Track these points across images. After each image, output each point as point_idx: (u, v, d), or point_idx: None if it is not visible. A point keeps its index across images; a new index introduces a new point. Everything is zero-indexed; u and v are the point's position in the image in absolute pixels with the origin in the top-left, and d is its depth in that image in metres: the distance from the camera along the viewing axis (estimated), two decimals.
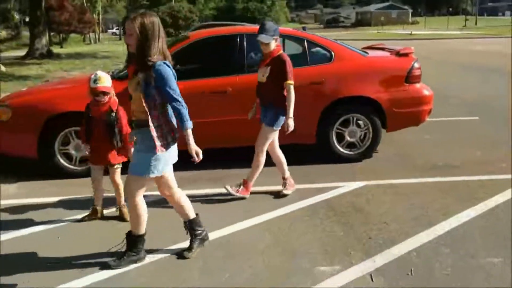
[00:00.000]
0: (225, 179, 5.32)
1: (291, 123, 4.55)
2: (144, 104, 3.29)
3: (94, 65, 20.27)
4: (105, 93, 4.19)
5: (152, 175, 3.42)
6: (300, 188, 5.13)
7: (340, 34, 49.51)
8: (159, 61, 3.28)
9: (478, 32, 50.51)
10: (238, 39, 5.81)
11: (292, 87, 4.54)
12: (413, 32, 49.48)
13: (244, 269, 3.54)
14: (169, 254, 3.79)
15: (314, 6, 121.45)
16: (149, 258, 3.71)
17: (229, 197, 4.91)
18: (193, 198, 4.67)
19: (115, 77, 5.79)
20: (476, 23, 75.64)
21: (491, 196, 4.78)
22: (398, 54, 6.06)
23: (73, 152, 5.59)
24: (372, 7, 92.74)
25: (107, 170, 4.47)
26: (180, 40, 6.05)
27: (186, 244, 3.82)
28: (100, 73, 4.26)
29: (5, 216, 4.62)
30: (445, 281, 3.32)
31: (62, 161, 5.57)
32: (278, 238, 4.02)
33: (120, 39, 55.84)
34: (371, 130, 5.89)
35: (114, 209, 4.61)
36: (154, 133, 3.30)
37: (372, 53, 6.34)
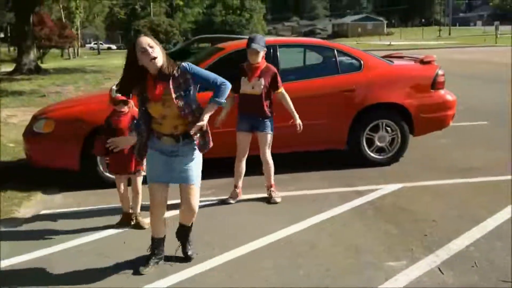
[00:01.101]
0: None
1: (301, 123, 4.97)
2: (183, 115, 3.39)
3: (86, 79, 20.22)
4: (125, 103, 4.35)
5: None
6: (340, 191, 5.34)
7: None
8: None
9: (454, 42, 51.81)
10: (271, 50, 6.01)
11: (286, 93, 4.98)
12: (392, 43, 50.48)
13: (315, 266, 3.72)
14: (243, 253, 3.94)
15: (290, 18, 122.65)
16: (223, 257, 3.86)
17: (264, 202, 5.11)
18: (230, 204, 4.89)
19: None
20: (450, 33, 77.53)
21: None
22: (422, 62, 6.35)
23: None
24: (348, 19, 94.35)
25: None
26: (215, 51, 6.23)
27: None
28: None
29: (62, 223, 4.70)
30: (507, 271, 3.55)
31: (104, 172, 5.67)
32: (337, 238, 4.19)
33: (99, 53, 55.55)
34: (399, 135, 6.14)
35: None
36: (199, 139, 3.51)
37: (396, 61, 6.61)
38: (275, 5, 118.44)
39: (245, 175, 5.25)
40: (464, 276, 3.51)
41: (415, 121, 6.13)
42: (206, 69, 5.84)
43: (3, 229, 4.63)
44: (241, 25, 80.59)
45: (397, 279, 3.50)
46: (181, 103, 3.37)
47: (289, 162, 6.32)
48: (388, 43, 51.81)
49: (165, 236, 3.84)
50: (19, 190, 5.60)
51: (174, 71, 3.37)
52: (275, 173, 5.26)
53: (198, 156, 3.61)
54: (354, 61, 6.21)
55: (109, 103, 4.41)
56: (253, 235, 4.27)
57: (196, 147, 3.54)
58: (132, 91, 3.51)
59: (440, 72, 6.24)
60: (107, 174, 5.67)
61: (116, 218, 4.72)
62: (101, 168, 5.65)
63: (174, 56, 14.76)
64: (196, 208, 3.69)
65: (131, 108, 4.42)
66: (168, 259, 3.84)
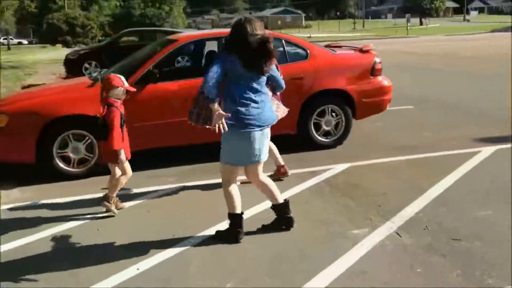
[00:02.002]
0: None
1: None
2: None
3: (4, 75, 19.29)
4: (126, 93, 4.50)
5: None
6: (296, 172, 5.69)
7: None
8: None
9: (370, 34, 54.20)
10: (223, 40, 6.23)
11: None
12: (311, 35, 51.92)
13: (289, 237, 4.05)
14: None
15: (210, 12, 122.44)
16: (202, 236, 4.09)
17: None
18: (199, 188, 5.15)
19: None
20: (363, 26, 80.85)
21: (459, 165, 5.68)
22: (361, 51, 6.84)
23: (71, 154, 5.70)
24: (268, 12, 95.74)
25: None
26: (169, 43, 6.35)
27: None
28: (117, 75, 4.54)
29: (19, 219, 4.71)
30: (454, 231, 4.06)
31: (60, 164, 5.66)
32: (302, 213, 4.50)
33: (9, 48, 52.61)
34: (343, 119, 6.60)
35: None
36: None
37: (338, 51, 7.07)
38: None
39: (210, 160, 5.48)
40: (419, 238, 3.97)
41: (357, 105, 6.61)
42: (159, 61, 6.05)
43: None
44: (161, 18, 79.21)
45: (363, 244, 3.90)
46: None
47: None
48: (308, 35, 53.21)
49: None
50: None
51: None
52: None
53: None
54: (300, 50, 6.58)
55: (108, 91, 4.44)
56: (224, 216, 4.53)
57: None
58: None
59: (378, 60, 6.76)
60: (63, 166, 5.68)
61: (82, 210, 4.82)
62: (57, 160, 5.63)
63: (103, 51, 14.58)
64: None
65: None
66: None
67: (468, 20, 73.19)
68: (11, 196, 5.32)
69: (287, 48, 6.47)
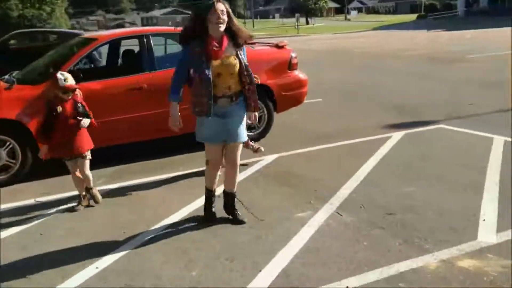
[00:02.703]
0: (160, 168, 5.83)
1: None
2: (242, 76, 3.91)
3: None
4: (73, 90, 4.42)
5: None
6: None
7: None
8: None
9: (262, 33, 55.47)
10: (144, 39, 6.23)
11: None
12: None
13: (239, 224, 4.22)
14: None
15: (94, 12, 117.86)
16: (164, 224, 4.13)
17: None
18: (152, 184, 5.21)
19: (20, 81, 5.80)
20: (253, 25, 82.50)
21: (376, 150, 6.20)
22: (277, 46, 7.15)
23: None
24: (157, 12, 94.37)
25: None
26: (88, 42, 6.19)
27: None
28: (63, 73, 4.45)
29: None
30: (387, 207, 4.48)
31: None
32: (247, 202, 4.67)
33: None
34: (266, 112, 6.87)
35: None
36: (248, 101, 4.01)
37: (255, 47, 7.31)
38: None
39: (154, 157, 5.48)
40: (357, 215, 4.33)
41: (277, 99, 6.91)
42: (79, 60, 5.91)
43: None
44: (42, 19, 75.04)
45: (310, 225, 4.18)
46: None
47: (174, 146, 6.65)
48: None
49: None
50: None
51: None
52: (168, 156, 5.63)
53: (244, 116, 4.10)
54: None
55: (51, 90, 4.43)
56: (171, 210, 4.60)
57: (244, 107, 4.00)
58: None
59: (294, 54, 7.12)
60: None
61: (9, 218, 4.64)
62: None
63: None
64: (239, 164, 4.24)
65: (74, 94, 4.47)
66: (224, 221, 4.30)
67: (349, 19, 77.44)
68: None
69: None
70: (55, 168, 5.53)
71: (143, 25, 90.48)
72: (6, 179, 5.48)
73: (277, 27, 69.21)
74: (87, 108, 4.59)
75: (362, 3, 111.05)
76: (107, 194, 5.13)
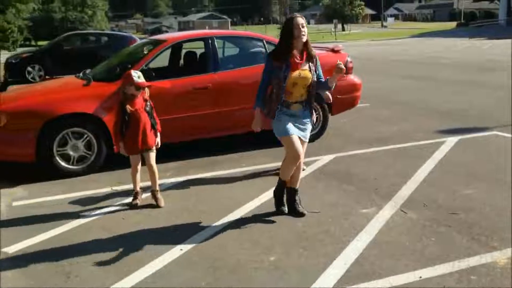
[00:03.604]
0: (221, 163, 6.14)
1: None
2: (310, 86, 4.27)
3: None
4: (144, 87, 4.75)
5: None
6: None
7: None
8: None
9: None
10: (209, 41, 6.55)
11: None
12: None
13: (307, 217, 4.46)
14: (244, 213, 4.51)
15: (133, 16, 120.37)
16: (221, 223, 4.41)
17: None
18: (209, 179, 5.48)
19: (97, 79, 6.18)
20: None
21: (432, 153, 6.35)
22: (333, 51, 7.37)
23: (70, 152, 5.77)
24: (193, 17, 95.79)
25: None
26: (158, 43, 6.55)
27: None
28: (136, 71, 4.79)
29: (48, 210, 4.79)
30: (449, 207, 4.64)
31: (60, 161, 5.73)
32: (311, 199, 4.92)
33: None
34: (321, 114, 7.09)
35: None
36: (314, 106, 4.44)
37: None
38: (116, 2, 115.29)
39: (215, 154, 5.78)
40: (421, 213, 4.51)
41: (333, 101, 7.09)
42: (151, 60, 6.27)
43: None
44: (84, 22, 77.06)
45: (376, 220, 4.38)
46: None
47: (237, 143, 6.96)
48: None
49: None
50: None
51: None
52: (227, 153, 6.06)
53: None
54: None
55: (125, 87, 4.70)
56: (239, 203, 4.87)
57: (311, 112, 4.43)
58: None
59: (349, 59, 7.32)
60: (63, 164, 5.74)
61: (95, 205, 5.00)
62: (57, 158, 5.70)
63: (48, 54, 14.52)
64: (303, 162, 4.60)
65: (143, 91, 4.79)
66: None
67: (385, 26, 76.99)
68: (18, 194, 5.33)
69: (269, 48, 6.87)
70: (126, 160, 5.90)
71: (180, 29, 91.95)
72: (82, 169, 5.85)
73: (312, 33, 69.33)
74: (154, 111, 4.91)
75: (398, 10, 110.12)
76: (176, 186, 5.45)
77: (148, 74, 6.01)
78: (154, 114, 4.92)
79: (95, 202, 5.05)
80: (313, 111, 4.52)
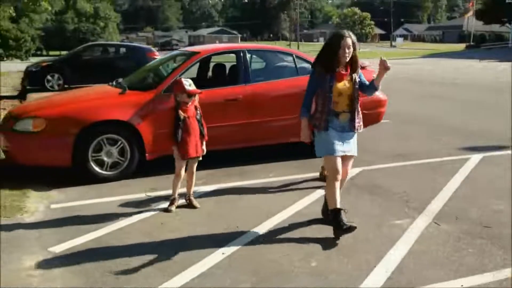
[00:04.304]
0: (252, 173, 6.26)
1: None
2: (354, 96, 4.38)
3: None
4: (195, 94, 4.89)
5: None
6: (317, 175, 6.19)
7: None
8: None
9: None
10: (241, 54, 6.70)
11: None
12: None
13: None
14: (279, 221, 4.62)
15: (143, 29, 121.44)
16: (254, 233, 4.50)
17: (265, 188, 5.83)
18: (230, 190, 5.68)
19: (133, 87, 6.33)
20: (298, 47, 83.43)
21: (458, 169, 6.44)
22: (360, 67, 7.48)
23: (105, 158, 5.90)
24: (204, 31, 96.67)
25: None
26: (191, 55, 6.71)
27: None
28: (187, 79, 4.94)
29: (71, 217, 4.91)
30: (481, 221, 4.72)
31: (95, 167, 5.85)
32: (346, 207, 5.01)
33: None
34: None
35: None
36: (358, 118, 4.42)
37: None
38: (127, 15, 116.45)
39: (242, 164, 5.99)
40: (454, 226, 4.60)
41: None
42: (185, 71, 6.41)
43: (31, 221, 4.72)
44: (96, 33, 77.98)
45: (411, 231, 4.47)
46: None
47: (262, 154, 7.08)
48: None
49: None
50: (8, 188, 5.54)
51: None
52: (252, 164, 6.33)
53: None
54: (308, 65, 7.14)
55: (178, 94, 4.88)
56: (273, 211, 4.97)
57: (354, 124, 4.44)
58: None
59: (375, 75, 7.43)
60: (97, 169, 5.87)
61: (132, 209, 5.11)
62: (92, 163, 5.82)
63: (67, 63, 14.75)
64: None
65: (194, 99, 4.95)
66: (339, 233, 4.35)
67: (394, 46, 77.38)
68: (54, 197, 5.45)
69: (298, 62, 7.03)
70: (157, 168, 6.06)
71: (190, 43, 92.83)
72: (115, 175, 5.97)
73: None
74: (203, 119, 5.08)
75: (408, 30, 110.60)
76: (208, 194, 5.56)
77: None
78: (203, 122, 5.07)
79: (132, 206, 5.16)
80: (360, 118, 4.54)
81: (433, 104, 13.12)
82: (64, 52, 53.94)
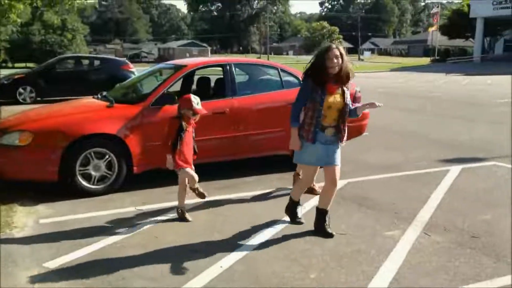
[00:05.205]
0: (239, 186, 6.28)
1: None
2: (343, 110, 4.43)
3: None
4: (199, 114, 4.97)
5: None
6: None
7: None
8: None
9: None
10: (228, 67, 6.75)
11: None
12: None
13: (337, 238, 4.61)
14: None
15: (111, 41, 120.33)
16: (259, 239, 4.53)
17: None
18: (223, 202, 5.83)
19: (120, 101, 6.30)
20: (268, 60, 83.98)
21: (440, 181, 6.61)
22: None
23: (92, 172, 5.83)
24: (174, 44, 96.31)
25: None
26: (179, 68, 6.72)
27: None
28: (196, 97, 4.99)
29: (61, 232, 4.84)
30: (469, 231, 4.86)
31: (82, 181, 5.77)
32: (335, 218, 5.06)
33: None
34: None
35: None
36: (344, 132, 4.48)
37: None
38: (95, 27, 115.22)
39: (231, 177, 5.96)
40: (444, 236, 4.72)
41: None
42: (172, 84, 6.41)
43: (21, 236, 4.63)
44: (63, 45, 76.85)
45: (403, 242, 4.56)
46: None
47: (251, 167, 7.09)
48: None
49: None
50: None
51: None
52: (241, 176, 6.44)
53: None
54: (293, 78, 7.25)
55: (184, 109, 4.93)
56: (265, 224, 5.00)
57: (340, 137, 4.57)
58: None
59: (358, 89, 7.60)
60: (84, 183, 5.79)
61: (118, 223, 5.09)
62: (79, 177, 5.75)
63: (40, 76, 14.57)
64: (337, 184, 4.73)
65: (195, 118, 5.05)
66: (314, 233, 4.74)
67: (362, 60, 78.79)
68: (42, 212, 5.35)
69: (282, 75, 7.12)
70: (144, 181, 6.03)
71: (159, 55, 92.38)
72: (102, 189, 5.90)
73: (291, 63, 70.42)
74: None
75: (374, 44, 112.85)
76: (199, 206, 5.56)
77: (170, 98, 6.17)
78: (194, 140, 5.17)
79: (123, 221, 5.11)
80: (345, 131, 4.65)
81: (410, 117, 13.43)
82: (30, 64, 52.94)
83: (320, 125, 4.48)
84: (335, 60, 4.39)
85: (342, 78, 4.50)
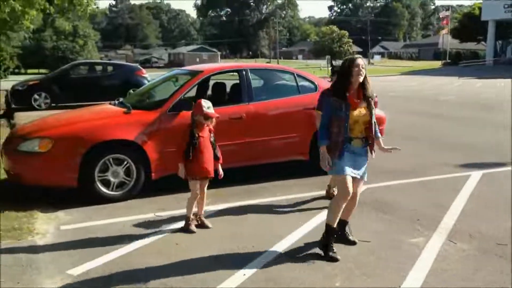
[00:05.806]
0: (258, 192, 6.23)
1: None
2: (370, 123, 4.39)
3: None
4: (212, 118, 4.89)
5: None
6: (323, 193, 6.19)
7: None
8: None
9: None
10: (244, 72, 6.73)
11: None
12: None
13: (360, 245, 4.55)
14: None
15: (122, 46, 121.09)
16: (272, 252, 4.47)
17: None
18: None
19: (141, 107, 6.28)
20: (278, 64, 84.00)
21: (462, 186, 6.52)
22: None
23: (111, 178, 5.82)
24: (183, 49, 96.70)
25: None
26: (195, 74, 6.71)
27: None
28: (206, 101, 4.93)
29: (98, 234, 4.82)
30: (495, 238, 4.77)
31: (101, 187, 5.76)
32: (357, 227, 5.00)
33: None
34: None
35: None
36: (371, 143, 4.46)
37: None
38: (105, 33, 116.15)
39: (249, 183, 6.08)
40: (470, 243, 4.64)
41: None
42: (189, 90, 6.39)
43: (43, 243, 4.62)
44: (75, 51, 77.43)
45: (428, 250, 4.49)
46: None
47: (266, 172, 7.07)
48: None
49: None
50: (13, 210, 5.41)
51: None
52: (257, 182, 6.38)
53: None
54: (309, 83, 7.21)
55: (196, 115, 4.88)
56: (286, 231, 4.95)
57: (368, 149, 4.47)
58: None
59: (374, 94, 7.51)
60: (103, 189, 5.78)
61: (142, 230, 5.05)
62: (98, 184, 5.74)
63: (54, 82, 14.66)
64: None
65: (210, 122, 4.96)
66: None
67: (372, 63, 78.51)
68: (62, 218, 5.34)
69: (299, 81, 7.08)
70: (162, 187, 6.02)
71: (170, 60, 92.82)
72: (121, 195, 5.88)
73: (301, 67, 70.38)
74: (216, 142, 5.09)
75: (384, 48, 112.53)
76: (218, 213, 5.52)
77: (187, 104, 6.14)
78: (216, 145, 5.08)
79: (143, 227, 5.09)
80: (373, 143, 4.56)
81: (423, 121, 13.31)
82: (42, 70, 53.26)
83: (348, 138, 4.39)
84: (362, 69, 4.33)
85: (364, 91, 4.43)
